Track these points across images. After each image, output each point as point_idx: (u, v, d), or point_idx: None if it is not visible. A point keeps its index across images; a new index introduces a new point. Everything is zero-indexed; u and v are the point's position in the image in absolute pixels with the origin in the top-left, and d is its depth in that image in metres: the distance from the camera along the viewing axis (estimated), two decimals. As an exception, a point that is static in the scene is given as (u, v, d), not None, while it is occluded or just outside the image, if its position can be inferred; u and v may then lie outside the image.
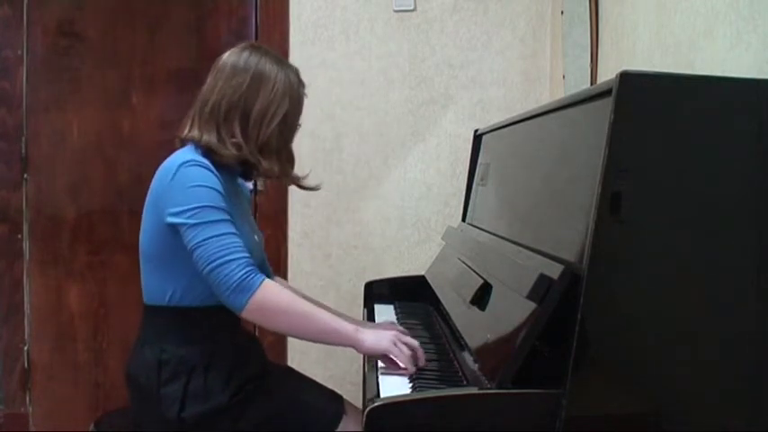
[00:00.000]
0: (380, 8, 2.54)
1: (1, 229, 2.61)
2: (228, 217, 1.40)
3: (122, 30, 2.62)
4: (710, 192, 1.03)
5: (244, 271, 1.35)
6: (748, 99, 1.02)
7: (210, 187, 1.39)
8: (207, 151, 1.46)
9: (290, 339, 2.61)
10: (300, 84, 1.56)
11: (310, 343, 2.51)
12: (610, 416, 1.03)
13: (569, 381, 1.00)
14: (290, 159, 1.57)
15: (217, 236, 1.36)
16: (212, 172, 1.42)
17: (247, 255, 1.38)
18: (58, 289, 2.65)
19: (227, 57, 1.53)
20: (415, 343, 1.40)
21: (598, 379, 1.02)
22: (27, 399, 2.65)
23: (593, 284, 1.00)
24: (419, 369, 1.36)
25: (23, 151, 2.61)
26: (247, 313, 1.36)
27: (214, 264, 1.34)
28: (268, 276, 1.73)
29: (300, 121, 1.58)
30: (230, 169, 1.51)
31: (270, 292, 1.36)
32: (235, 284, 1.34)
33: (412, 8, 2.53)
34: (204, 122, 1.48)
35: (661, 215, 1.02)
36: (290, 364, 2.52)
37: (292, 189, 2.59)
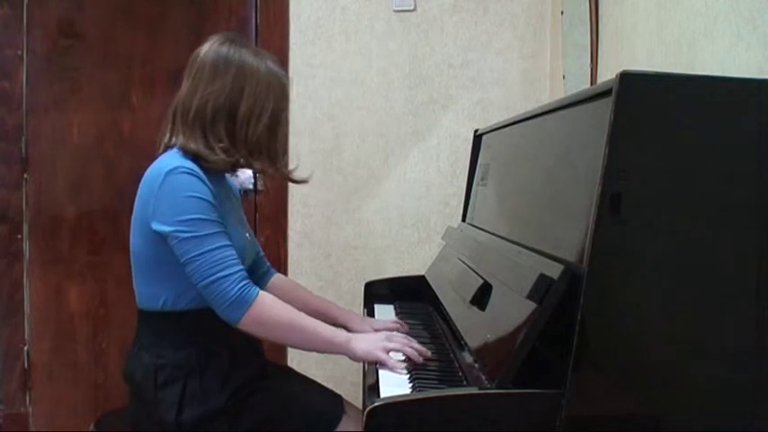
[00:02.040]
0: (380, 8, 2.54)
1: (1, 229, 2.61)
2: (220, 228, 1.39)
3: (122, 30, 2.62)
4: (710, 192, 1.03)
5: (239, 286, 1.36)
6: (748, 99, 1.02)
7: (201, 198, 1.37)
8: (195, 156, 1.43)
9: (290, 339, 2.60)
10: (282, 72, 1.51)
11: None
12: (610, 416, 1.03)
13: (569, 381, 1.00)
14: (283, 152, 1.54)
15: (210, 250, 1.35)
16: (201, 180, 1.39)
17: (241, 267, 1.38)
18: (58, 289, 2.65)
19: (205, 54, 1.47)
20: (400, 346, 1.41)
21: (598, 379, 1.02)
22: (27, 399, 2.65)
23: (593, 284, 1.00)
24: (418, 369, 1.36)
25: (23, 151, 2.61)
26: (243, 326, 1.38)
27: (209, 279, 1.35)
28: (267, 273, 1.74)
29: (289, 110, 1.54)
30: (220, 169, 1.49)
31: (265, 306, 1.38)
32: (230, 300, 1.35)
33: (412, 8, 2.53)
34: (189, 129, 1.44)
35: (661, 215, 1.02)
36: (289, 364, 2.52)
37: (292, 189, 2.60)
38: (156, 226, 1.38)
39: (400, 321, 1.71)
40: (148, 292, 1.48)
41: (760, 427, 1.03)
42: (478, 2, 2.52)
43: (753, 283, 1.02)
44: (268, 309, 1.38)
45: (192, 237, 1.35)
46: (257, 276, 1.71)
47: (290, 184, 2.58)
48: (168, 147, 1.48)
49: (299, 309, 1.49)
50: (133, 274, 1.51)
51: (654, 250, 1.02)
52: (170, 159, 1.41)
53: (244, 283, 1.37)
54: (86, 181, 2.64)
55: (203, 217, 1.37)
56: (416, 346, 1.41)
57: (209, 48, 1.48)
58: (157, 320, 1.47)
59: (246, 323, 1.37)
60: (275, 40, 2.56)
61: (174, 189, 1.37)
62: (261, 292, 1.38)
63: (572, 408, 1.00)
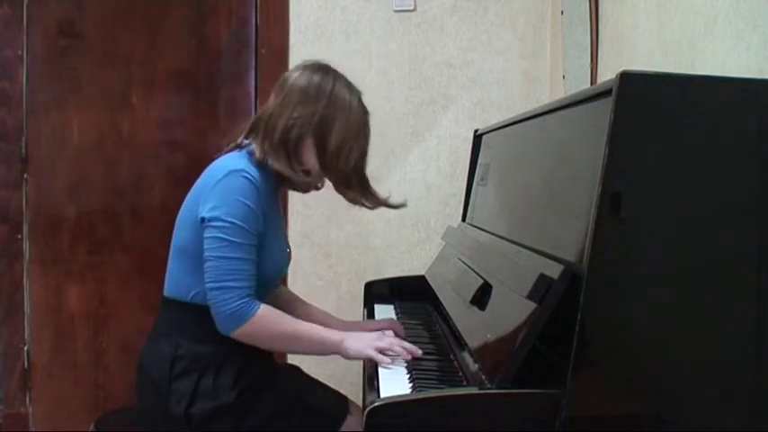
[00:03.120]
0: (380, 8, 2.54)
1: (1, 229, 2.61)
2: (253, 242, 1.42)
3: (122, 30, 2.62)
4: (710, 192, 1.03)
5: (239, 302, 1.39)
6: (748, 99, 1.02)
7: (250, 207, 1.41)
8: (261, 163, 1.46)
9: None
10: (366, 111, 1.56)
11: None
12: (610, 416, 1.03)
13: (569, 381, 1.00)
14: (367, 184, 1.57)
15: (231, 258, 1.39)
16: (258, 190, 1.43)
17: (248, 284, 1.41)
18: (58, 289, 2.65)
19: (296, 79, 1.50)
20: (393, 343, 1.44)
21: (598, 379, 1.02)
22: (27, 399, 2.65)
23: (593, 284, 1.00)
24: (418, 369, 1.36)
25: (23, 151, 2.61)
26: (234, 337, 1.41)
27: (216, 284, 1.39)
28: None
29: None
30: (276, 180, 1.52)
31: (260, 322, 1.41)
32: (227, 312, 1.39)
33: (412, 8, 2.53)
34: (274, 149, 1.47)
35: (661, 215, 1.02)
36: (289, 362, 2.52)
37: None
38: (201, 212, 1.42)
39: (393, 321, 1.73)
40: (181, 282, 1.50)
41: (760, 427, 1.03)
42: (478, 2, 2.52)
43: (753, 283, 1.02)
44: (263, 324, 1.42)
45: (222, 238, 1.39)
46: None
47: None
48: (238, 147, 1.53)
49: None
50: (170, 262, 1.54)
51: (654, 250, 1.02)
52: (237, 160, 1.46)
53: (244, 300, 1.39)
54: (86, 181, 2.64)
55: (243, 226, 1.40)
56: (406, 344, 1.45)
57: (302, 73, 1.51)
58: (182, 311, 1.49)
59: (238, 335, 1.41)
60: (275, 40, 2.56)
61: (230, 187, 1.41)
62: (260, 310, 1.41)
63: (572, 408, 1.00)
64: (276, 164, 1.46)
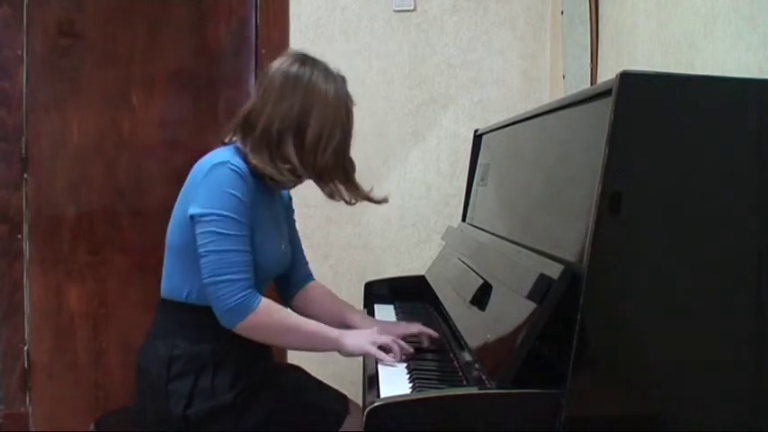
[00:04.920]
0: (380, 8, 2.54)
1: (1, 229, 2.61)
2: (246, 232, 1.41)
3: (122, 30, 2.62)
4: (710, 192, 1.03)
5: (240, 295, 1.38)
6: (748, 99, 1.02)
7: (238, 197, 1.40)
8: (261, 170, 1.45)
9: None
10: (349, 96, 1.54)
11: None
12: (610, 416, 1.03)
13: (569, 381, 1.00)
14: (352, 169, 1.57)
15: (227, 251, 1.38)
16: (244, 180, 1.42)
17: (247, 276, 1.39)
18: (58, 289, 2.65)
19: (275, 71, 1.49)
20: (388, 341, 1.44)
21: (598, 379, 1.02)
22: (27, 399, 2.65)
23: (593, 284, 1.00)
24: (417, 368, 1.36)
25: (23, 151, 2.61)
26: (236, 331, 1.40)
27: (214, 279, 1.38)
28: (303, 280, 1.74)
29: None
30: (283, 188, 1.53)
31: (262, 315, 1.40)
32: (228, 306, 1.38)
33: (412, 8, 2.53)
34: (256, 145, 1.46)
35: (661, 215, 1.02)
36: (289, 362, 2.52)
37: (292, 189, 2.59)
38: (191, 209, 1.41)
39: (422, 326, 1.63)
40: (175, 281, 1.50)
41: (760, 427, 1.03)
42: (478, 2, 2.52)
43: (753, 283, 1.02)
44: (264, 318, 1.41)
45: (215, 231, 1.38)
46: (291, 283, 1.73)
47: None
48: (225, 144, 1.52)
49: (329, 321, 1.54)
50: (165, 262, 1.53)
51: (654, 250, 1.02)
52: (222, 154, 1.45)
53: (246, 292, 1.39)
54: (86, 181, 2.64)
55: (234, 216, 1.39)
56: (401, 343, 1.45)
57: (279, 65, 1.50)
58: (178, 311, 1.49)
59: (240, 329, 1.40)
60: (275, 40, 2.56)
61: (217, 181, 1.40)
62: (261, 302, 1.40)
63: (572, 408, 1.00)
64: (257, 161, 1.45)
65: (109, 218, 2.63)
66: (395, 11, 2.54)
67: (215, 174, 1.40)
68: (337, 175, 1.52)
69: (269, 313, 1.41)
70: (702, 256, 1.03)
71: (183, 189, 1.49)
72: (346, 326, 1.64)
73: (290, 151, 1.46)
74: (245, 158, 1.45)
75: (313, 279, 1.79)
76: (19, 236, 2.62)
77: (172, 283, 1.51)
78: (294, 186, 1.62)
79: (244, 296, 1.38)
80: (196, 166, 1.47)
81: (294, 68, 1.48)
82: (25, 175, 2.62)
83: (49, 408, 2.66)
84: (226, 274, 1.37)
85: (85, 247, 2.65)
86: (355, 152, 2.56)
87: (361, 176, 2.55)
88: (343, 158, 1.53)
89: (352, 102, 1.55)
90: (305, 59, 1.51)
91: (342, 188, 1.54)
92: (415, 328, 1.59)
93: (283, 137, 1.45)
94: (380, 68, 2.55)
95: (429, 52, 2.54)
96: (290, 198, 1.78)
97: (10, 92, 2.59)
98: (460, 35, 2.53)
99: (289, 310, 1.48)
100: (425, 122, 2.55)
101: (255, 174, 1.46)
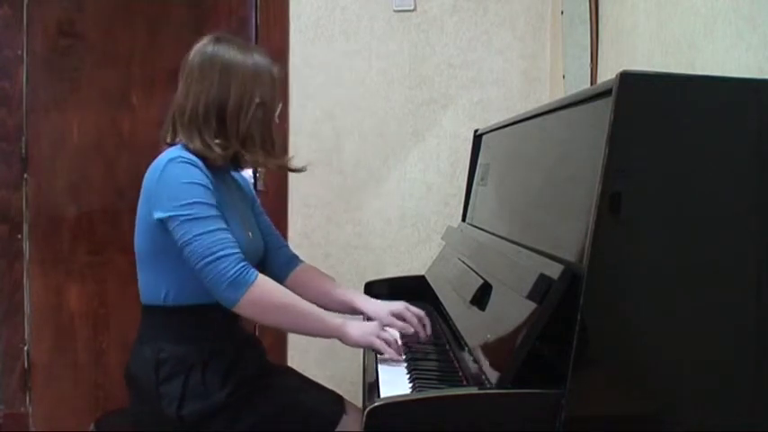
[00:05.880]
0: (380, 8, 2.54)
1: (1, 229, 2.61)
2: (219, 213, 1.40)
3: (122, 30, 2.62)
4: (710, 192, 1.03)
5: (237, 267, 1.36)
6: (748, 99, 1.02)
7: (198, 183, 1.40)
8: (196, 155, 1.45)
9: (290, 339, 2.61)
10: (270, 63, 1.54)
11: (311, 342, 2.53)
12: (610, 416, 1.03)
13: (569, 381, 1.00)
14: (273, 144, 1.55)
15: (208, 232, 1.37)
16: (199, 168, 1.42)
17: (239, 250, 1.38)
18: (58, 289, 2.65)
19: (193, 56, 1.51)
20: (394, 336, 1.46)
21: (598, 379, 1.02)
22: (27, 399, 2.65)
23: (593, 284, 1.00)
24: (417, 368, 1.36)
25: (23, 151, 2.61)
26: (240, 309, 1.37)
27: (207, 259, 1.35)
28: (289, 263, 1.74)
29: (280, 102, 1.57)
30: (221, 166, 1.51)
31: (263, 288, 1.38)
32: (229, 280, 1.35)
33: (412, 8, 2.53)
34: (186, 130, 1.47)
35: (661, 215, 1.02)
36: (289, 363, 2.52)
37: (292, 189, 2.60)
38: (156, 214, 1.40)
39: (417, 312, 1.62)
40: (150, 286, 1.49)
41: (760, 427, 1.03)
42: (478, 2, 2.52)
43: (753, 283, 1.02)
44: (267, 292, 1.39)
45: (190, 219, 1.37)
46: (275, 268, 1.72)
47: (290, 184, 2.58)
48: (170, 145, 1.51)
49: (321, 300, 1.55)
50: (137, 270, 1.53)
51: (654, 250, 1.02)
52: (171, 152, 1.45)
53: (242, 264, 1.37)
54: (86, 181, 2.64)
55: (201, 200, 1.39)
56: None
57: (196, 49, 1.51)
58: (159, 315, 1.48)
59: (244, 305, 1.36)
60: (275, 40, 2.56)
61: (173, 176, 1.40)
62: (259, 274, 1.39)
63: (572, 408, 1.00)
64: (191, 144, 1.45)
65: (109, 218, 2.64)
66: (395, 11, 2.54)
67: (169, 171, 1.40)
68: (263, 141, 1.51)
69: (268, 288, 1.39)
70: (702, 256, 1.03)
71: (141, 195, 1.48)
72: (346, 305, 1.65)
73: (215, 125, 1.46)
74: (193, 151, 1.45)
75: (301, 262, 1.76)
76: (19, 236, 2.62)
77: (147, 287, 1.50)
78: (239, 169, 1.61)
79: (242, 267, 1.36)
80: (149, 169, 1.46)
81: (210, 48, 1.50)
82: (25, 175, 2.62)
83: (49, 408, 2.66)
84: (216, 252, 1.35)
85: (85, 247, 2.65)
86: (355, 152, 2.58)
87: (362, 176, 2.57)
88: (267, 124, 1.52)
89: (276, 68, 1.55)
90: (219, 38, 1.52)
91: (262, 155, 1.52)
92: (401, 304, 1.60)
93: (208, 113, 1.46)
94: (380, 68, 2.55)
95: (429, 52, 2.54)
96: (251, 185, 1.77)
97: (10, 92, 2.59)
98: (460, 35, 2.53)
99: (288, 290, 1.46)
100: (425, 122, 2.55)
101: (206, 164, 1.45)
